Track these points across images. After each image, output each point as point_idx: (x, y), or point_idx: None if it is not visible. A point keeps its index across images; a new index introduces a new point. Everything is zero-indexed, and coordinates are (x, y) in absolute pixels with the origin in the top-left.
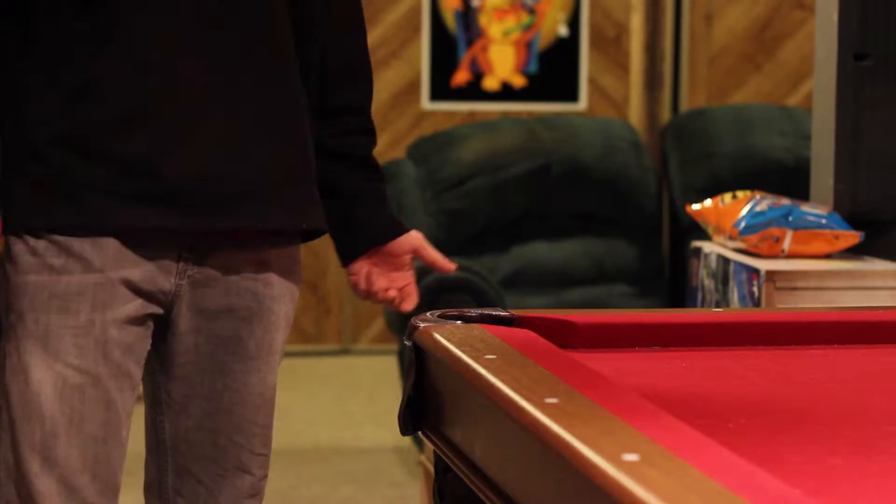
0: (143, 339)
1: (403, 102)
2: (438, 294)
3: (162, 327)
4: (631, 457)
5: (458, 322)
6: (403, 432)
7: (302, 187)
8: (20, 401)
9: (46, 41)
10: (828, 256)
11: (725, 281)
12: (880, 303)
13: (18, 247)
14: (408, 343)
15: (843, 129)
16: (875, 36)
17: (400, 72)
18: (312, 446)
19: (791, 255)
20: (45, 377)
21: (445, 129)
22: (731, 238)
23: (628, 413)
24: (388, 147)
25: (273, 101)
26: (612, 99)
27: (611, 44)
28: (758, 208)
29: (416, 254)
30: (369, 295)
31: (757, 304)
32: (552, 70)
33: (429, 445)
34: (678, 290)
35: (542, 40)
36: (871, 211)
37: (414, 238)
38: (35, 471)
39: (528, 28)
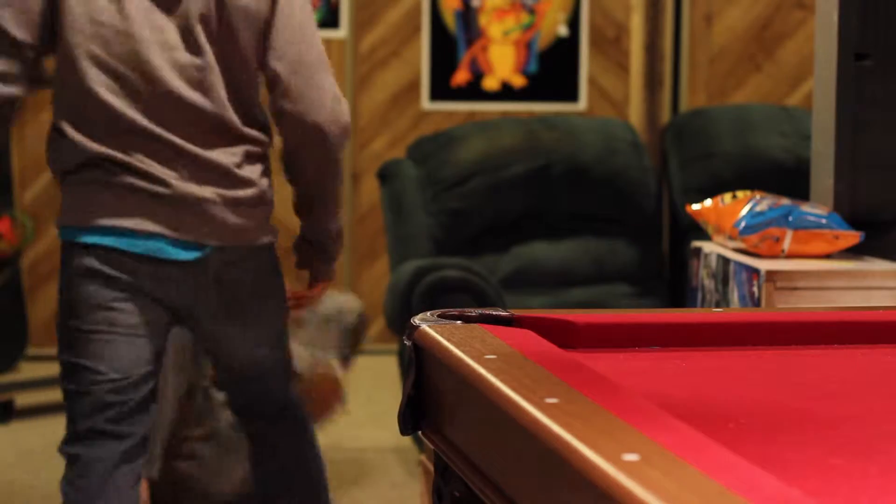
0: None
1: (403, 102)
2: (438, 294)
3: None
4: (631, 457)
5: (458, 322)
6: (403, 432)
7: None
8: None
9: None
10: (828, 256)
11: (725, 281)
12: (880, 303)
13: None
14: (408, 343)
15: (843, 129)
16: (875, 36)
17: (400, 72)
18: None
19: (791, 255)
20: None
21: (445, 129)
22: (731, 238)
23: (628, 413)
24: (388, 147)
25: None
26: (612, 99)
27: (611, 44)
28: (758, 208)
29: None
30: None
31: (757, 304)
32: (552, 70)
33: (429, 445)
34: (678, 290)
35: (542, 40)
36: (871, 211)
37: None
38: None
39: (528, 28)
